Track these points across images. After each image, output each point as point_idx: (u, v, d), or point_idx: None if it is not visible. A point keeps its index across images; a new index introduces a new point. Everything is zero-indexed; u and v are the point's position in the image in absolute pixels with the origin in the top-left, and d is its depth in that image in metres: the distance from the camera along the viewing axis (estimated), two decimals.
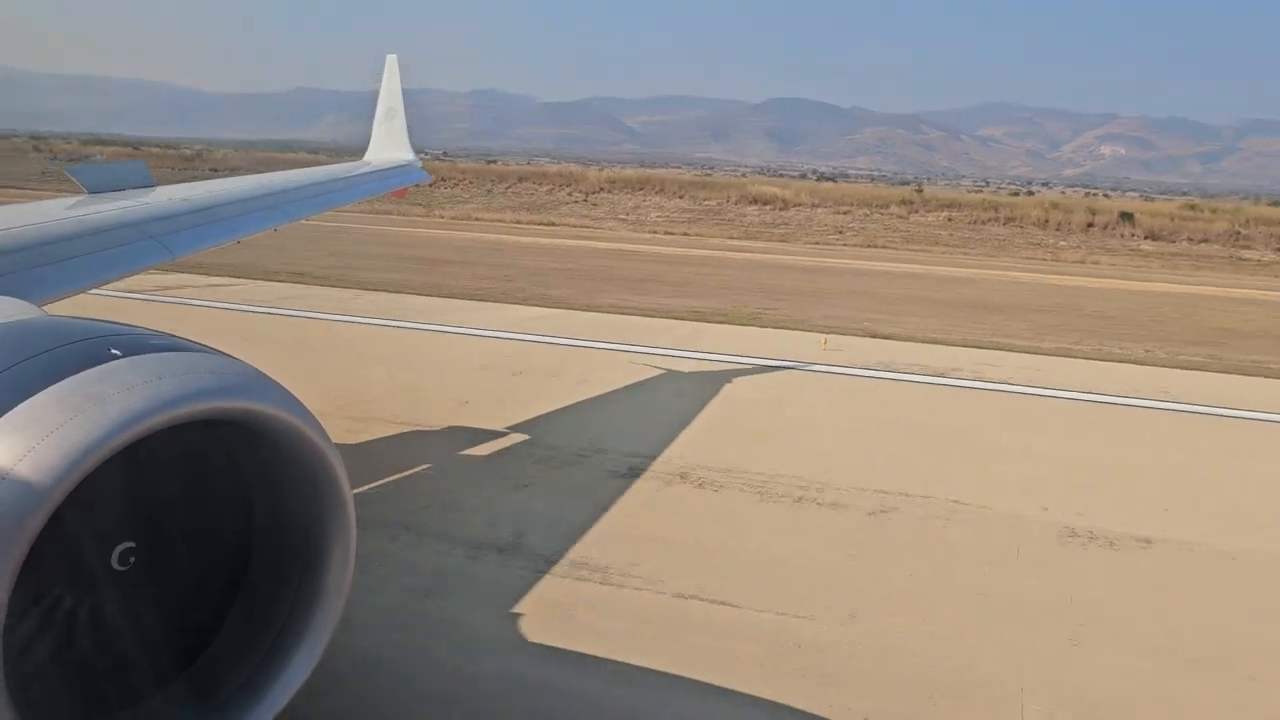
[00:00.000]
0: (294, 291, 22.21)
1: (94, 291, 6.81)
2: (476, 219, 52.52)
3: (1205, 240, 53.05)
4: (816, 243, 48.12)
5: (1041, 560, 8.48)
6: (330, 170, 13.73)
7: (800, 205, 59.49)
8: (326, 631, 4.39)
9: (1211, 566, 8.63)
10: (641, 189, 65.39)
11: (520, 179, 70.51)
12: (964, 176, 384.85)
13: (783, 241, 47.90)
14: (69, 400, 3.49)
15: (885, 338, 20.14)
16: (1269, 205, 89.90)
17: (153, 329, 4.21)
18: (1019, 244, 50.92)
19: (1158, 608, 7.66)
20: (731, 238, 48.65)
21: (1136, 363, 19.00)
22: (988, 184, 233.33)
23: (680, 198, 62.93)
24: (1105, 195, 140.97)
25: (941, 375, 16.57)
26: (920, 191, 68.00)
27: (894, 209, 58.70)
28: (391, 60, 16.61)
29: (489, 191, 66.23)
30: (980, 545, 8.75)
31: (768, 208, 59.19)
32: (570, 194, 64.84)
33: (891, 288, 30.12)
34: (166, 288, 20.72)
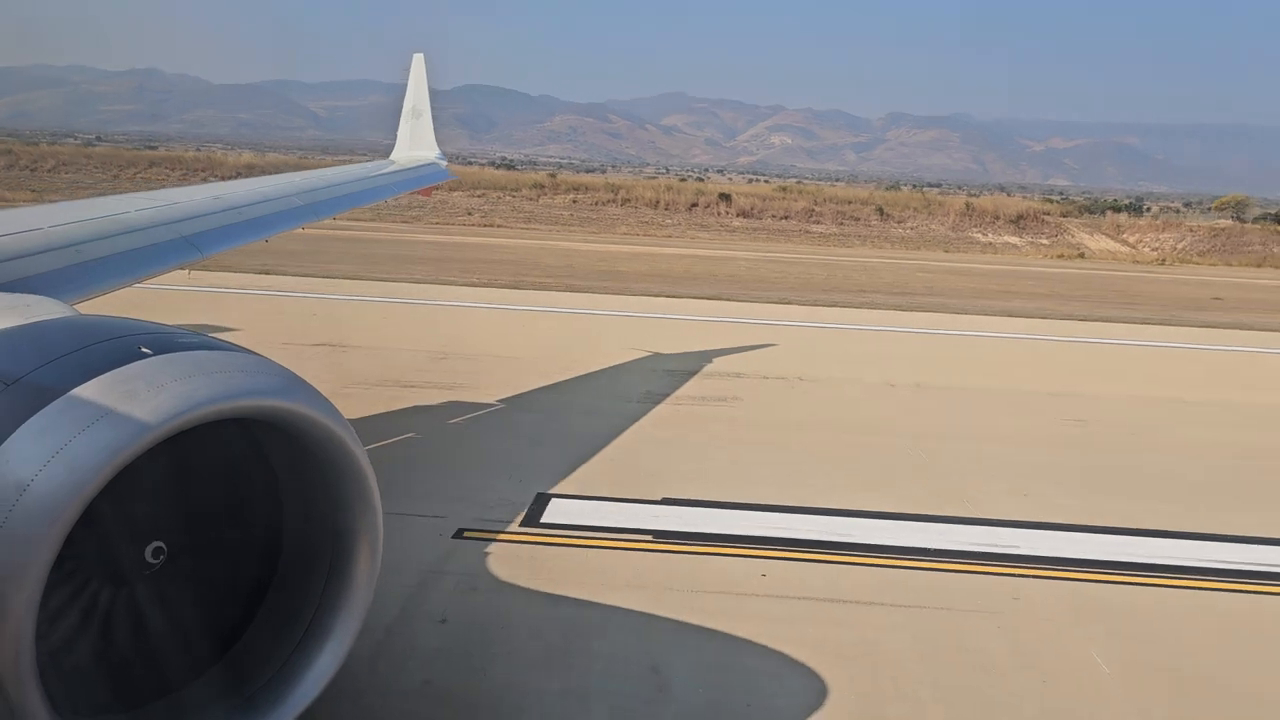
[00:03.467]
0: None
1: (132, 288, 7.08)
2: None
3: (786, 217, 61.67)
4: (440, 222, 51.17)
5: None
6: (357, 169, 13.88)
7: (438, 189, 62.28)
8: (354, 627, 4.48)
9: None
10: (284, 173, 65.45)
11: (151, 164, 68.71)
12: (649, 164, 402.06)
13: (407, 223, 50.50)
14: (100, 398, 3.48)
15: (262, 274, 26.61)
16: (886, 189, 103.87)
17: (185, 328, 4.26)
18: (631, 222, 56.71)
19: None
20: (356, 219, 50.52)
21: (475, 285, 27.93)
22: (668, 171, 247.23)
23: None
24: (766, 181, 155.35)
25: (307, 292, 24.47)
26: (554, 176, 73.13)
27: (525, 193, 63.07)
28: (418, 59, 16.31)
29: (115, 177, 63.69)
30: None
31: None
32: (205, 179, 63.61)
33: (387, 250, 37.10)
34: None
